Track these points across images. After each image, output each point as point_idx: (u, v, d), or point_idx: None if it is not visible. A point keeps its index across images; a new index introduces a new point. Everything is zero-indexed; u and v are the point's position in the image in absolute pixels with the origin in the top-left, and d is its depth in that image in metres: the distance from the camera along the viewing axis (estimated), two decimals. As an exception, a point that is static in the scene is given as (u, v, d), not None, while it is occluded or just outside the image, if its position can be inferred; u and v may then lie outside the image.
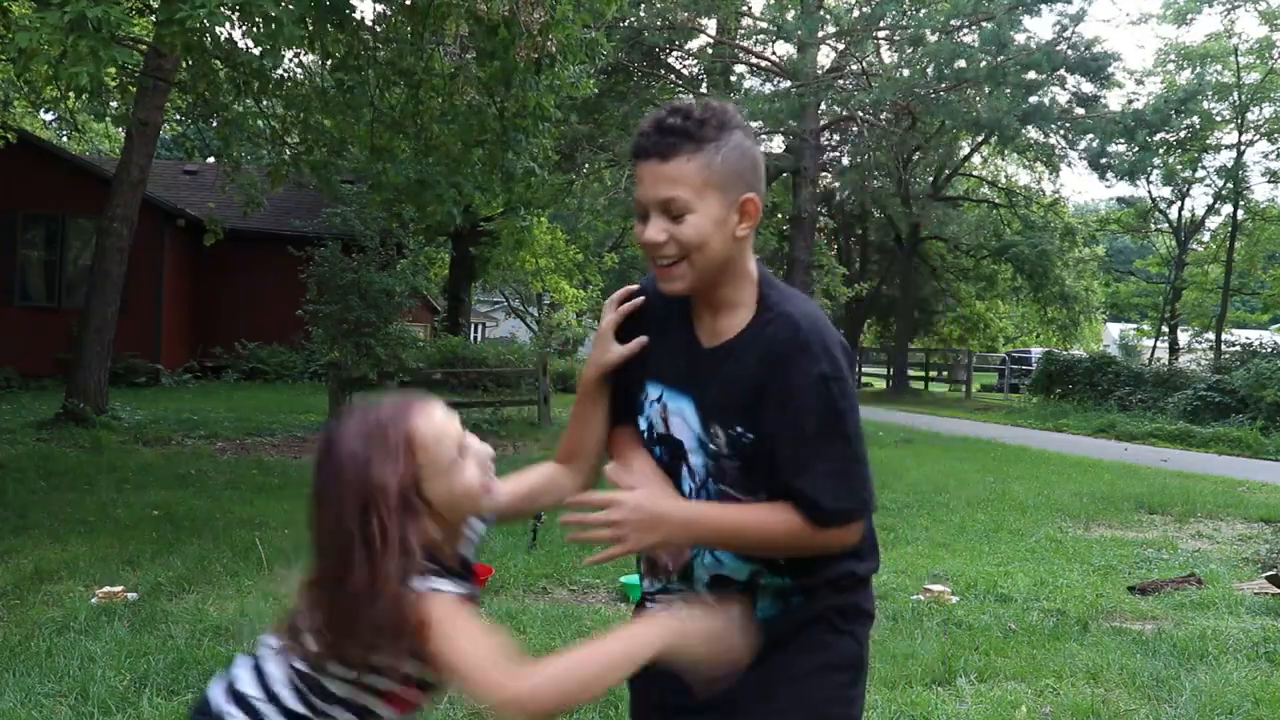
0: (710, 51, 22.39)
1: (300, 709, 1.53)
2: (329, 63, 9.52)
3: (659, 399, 1.75)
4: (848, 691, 1.74)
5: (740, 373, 1.65)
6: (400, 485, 1.46)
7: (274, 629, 1.60)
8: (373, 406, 1.54)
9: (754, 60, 22.48)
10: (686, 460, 1.72)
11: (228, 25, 7.03)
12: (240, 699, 1.55)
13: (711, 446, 1.68)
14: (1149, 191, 30.60)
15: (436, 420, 1.52)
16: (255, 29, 6.73)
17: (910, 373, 31.46)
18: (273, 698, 1.54)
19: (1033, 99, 19.65)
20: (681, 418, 1.71)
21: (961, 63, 18.73)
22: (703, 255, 1.63)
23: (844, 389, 1.61)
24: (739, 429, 1.65)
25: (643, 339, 1.76)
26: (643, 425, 1.78)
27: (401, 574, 1.43)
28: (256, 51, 8.28)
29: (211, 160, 21.62)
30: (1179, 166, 28.81)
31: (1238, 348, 24.61)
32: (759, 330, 1.65)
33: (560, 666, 1.43)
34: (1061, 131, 22.66)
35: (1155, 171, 27.72)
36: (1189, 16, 27.72)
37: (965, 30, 19.48)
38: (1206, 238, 32.06)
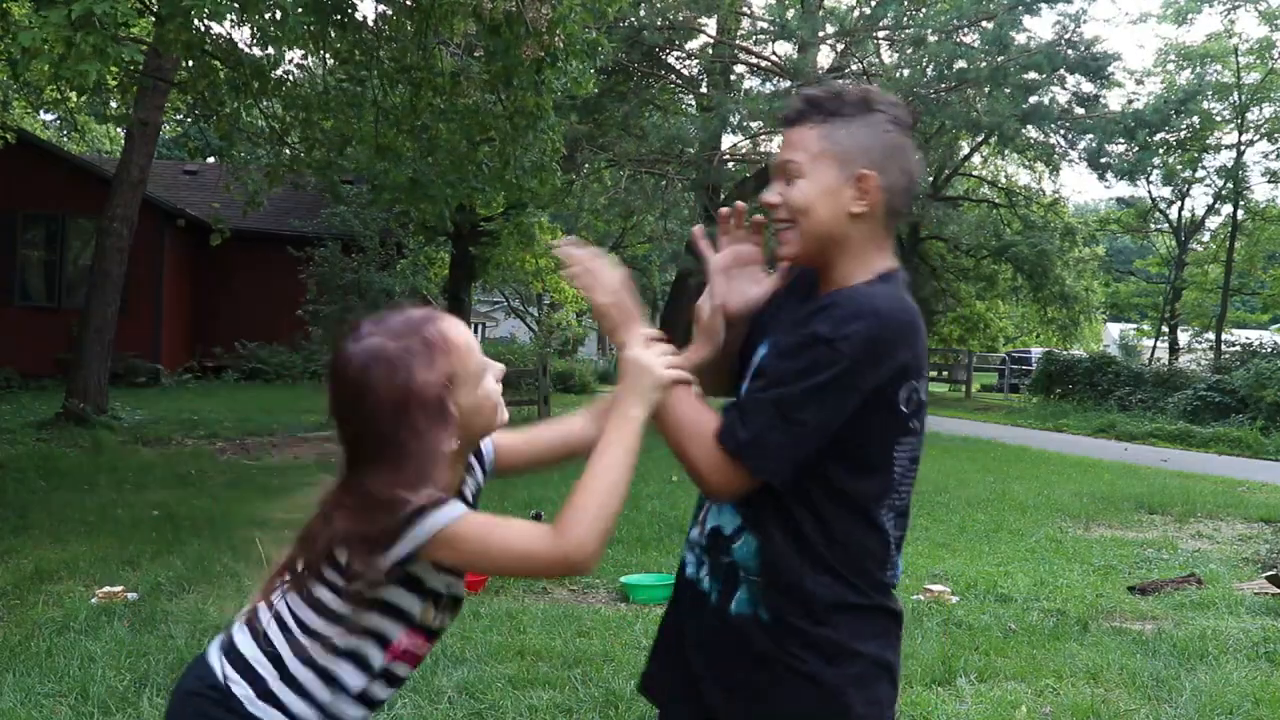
0: (710, 51, 22.38)
1: (299, 667, 1.52)
2: (332, 62, 9.53)
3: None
4: None
5: (798, 314, 1.64)
6: (438, 386, 1.46)
7: (264, 587, 1.58)
8: (397, 313, 1.53)
9: (754, 60, 22.46)
10: None
11: (229, 20, 7.02)
12: (239, 661, 1.54)
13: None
14: (1149, 191, 30.60)
15: (464, 328, 1.54)
16: (260, 21, 6.71)
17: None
18: (274, 658, 1.53)
19: (1033, 99, 19.62)
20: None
21: (962, 63, 18.70)
22: (809, 221, 1.63)
23: (829, 354, 1.51)
24: (765, 351, 1.67)
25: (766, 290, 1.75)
26: None
27: (431, 478, 1.43)
28: (257, 52, 8.29)
29: (212, 160, 21.62)
30: (1179, 166, 28.81)
31: (1238, 348, 24.62)
32: (831, 294, 1.63)
33: (582, 507, 1.45)
34: (1061, 131, 22.64)
35: (1155, 171, 27.70)
36: (1189, 16, 27.73)
37: (966, 31, 19.46)
38: (1206, 238, 32.06)
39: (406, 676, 1.63)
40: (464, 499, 1.62)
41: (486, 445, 1.72)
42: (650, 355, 1.55)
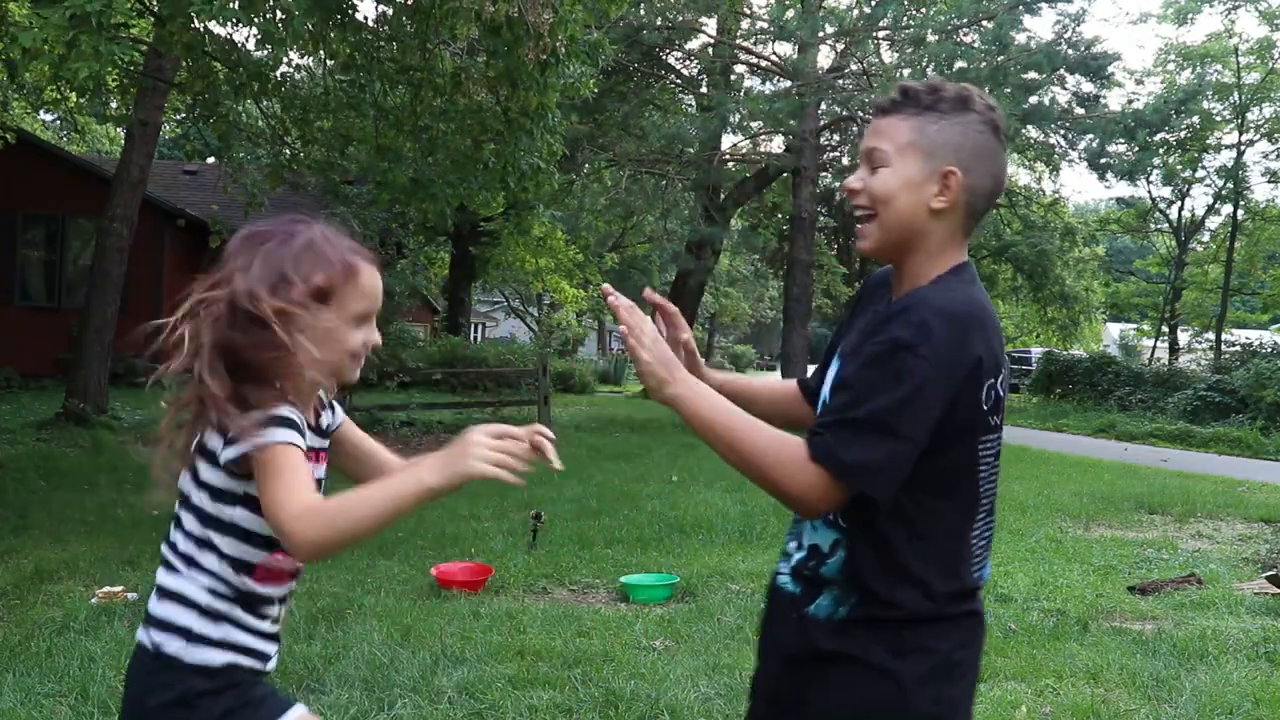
0: (710, 51, 22.37)
1: (200, 592, 1.65)
2: (333, 63, 9.52)
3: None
4: None
5: (873, 321, 1.63)
6: (315, 291, 1.62)
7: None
8: (343, 234, 1.72)
9: (754, 60, 22.46)
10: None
11: (232, 22, 7.01)
12: (156, 622, 1.67)
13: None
14: (1149, 191, 30.60)
15: (375, 279, 1.70)
16: (263, 22, 6.70)
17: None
18: (180, 599, 1.66)
19: (1033, 99, 19.63)
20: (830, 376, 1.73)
21: (962, 63, 18.71)
22: (889, 212, 1.62)
23: (911, 359, 1.50)
24: (841, 365, 1.67)
25: None
26: None
27: (281, 356, 1.58)
28: (258, 53, 8.29)
29: (211, 160, 21.61)
30: (1179, 166, 28.81)
31: (1238, 348, 24.64)
32: (904, 299, 1.61)
33: (339, 514, 1.53)
34: (1062, 131, 22.64)
35: (1155, 171, 27.71)
36: (1189, 16, 27.74)
37: (965, 30, 19.46)
38: (1206, 238, 32.06)
39: (282, 600, 1.74)
40: (319, 430, 1.75)
41: (340, 413, 1.85)
42: (484, 440, 1.56)
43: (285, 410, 1.58)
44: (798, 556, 1.70)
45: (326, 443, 1.78)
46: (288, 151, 10.48)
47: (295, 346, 1.59)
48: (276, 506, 1.54)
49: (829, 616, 1.63)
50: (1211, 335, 28.05)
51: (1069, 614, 5.18)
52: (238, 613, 1.66)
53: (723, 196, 23.44)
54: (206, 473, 1.65)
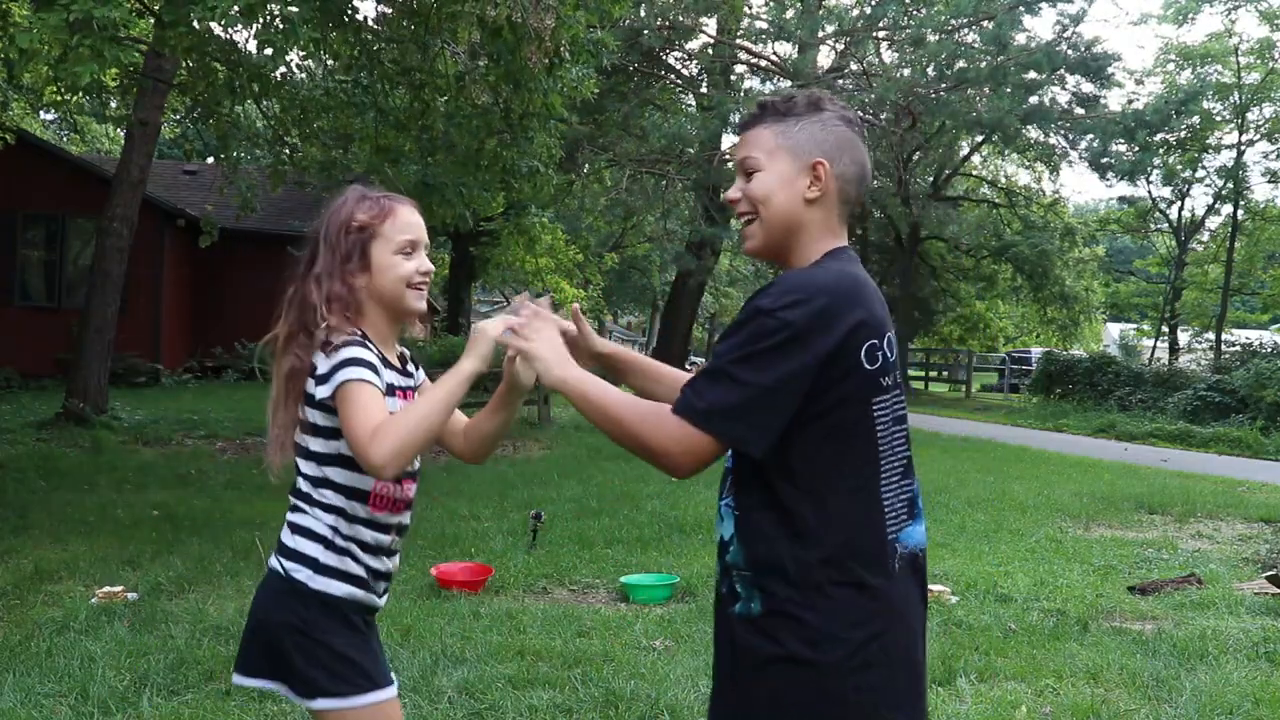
0: (710, 51, 22.38)
1: (319, 522, 1.93)
2: (333, 64, 9.51)
3: None
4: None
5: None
6: (360, 223, 1.96)
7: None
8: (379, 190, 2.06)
9: (754, 60, 22.46)
10: None
11: (236, 27, 7.01)
12: (287, 551, 1.95)
13: None
14: (1149, 191, 30.60)
15: (414, 216, 2.01)
16: (266, 28, 6.70)
17: (910, 372, 31.37)
18: (307, 532, 1.94)
19: (1033, 99, 19.64)
20: None
21: (962, 63, 18.72)
22: (769, 211, 1.74)
23: (770, 322, 1.58)
24: None
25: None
26: None
27: (338, 278, 1.94)
28: (257, 53, 8.28)
29: (211, 160, 21.61)
30: (1179, 166, 28.81)
31: (1238, 348, 24.62)
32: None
33: (400, 425, 1.79)
34: (1062, 131, 22.65)
35: (1155, 171, 27.71)
36: (1189, 16, 27.73)
37: (966, 30, 19.47)
38: (1206, 238, 32.06)
39: (399, 531, 2.02)
40: (405, 373, 2.03)
41: (421, 373, 2.12)
42: (490, 323, 1.86)
43: (356, 351, 1.86)
44: (720, 560, 1.74)
45: (412, 383, 2.05)
46: (287, 152, 10.46)
47: (354, 283, 1.93)
48: (351, 434, 1.80)
49: (746, 611, 1.65)
50: (1211, 335, 28.05)
51: (1069, 614, 5.18)
52: (355, 549, 1.93)
53: (723, 196, 23.44)
54: (312, 415, 1.92)
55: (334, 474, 1.92)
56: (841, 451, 1.64)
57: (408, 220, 1.99)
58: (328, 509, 1.92)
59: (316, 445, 1.93)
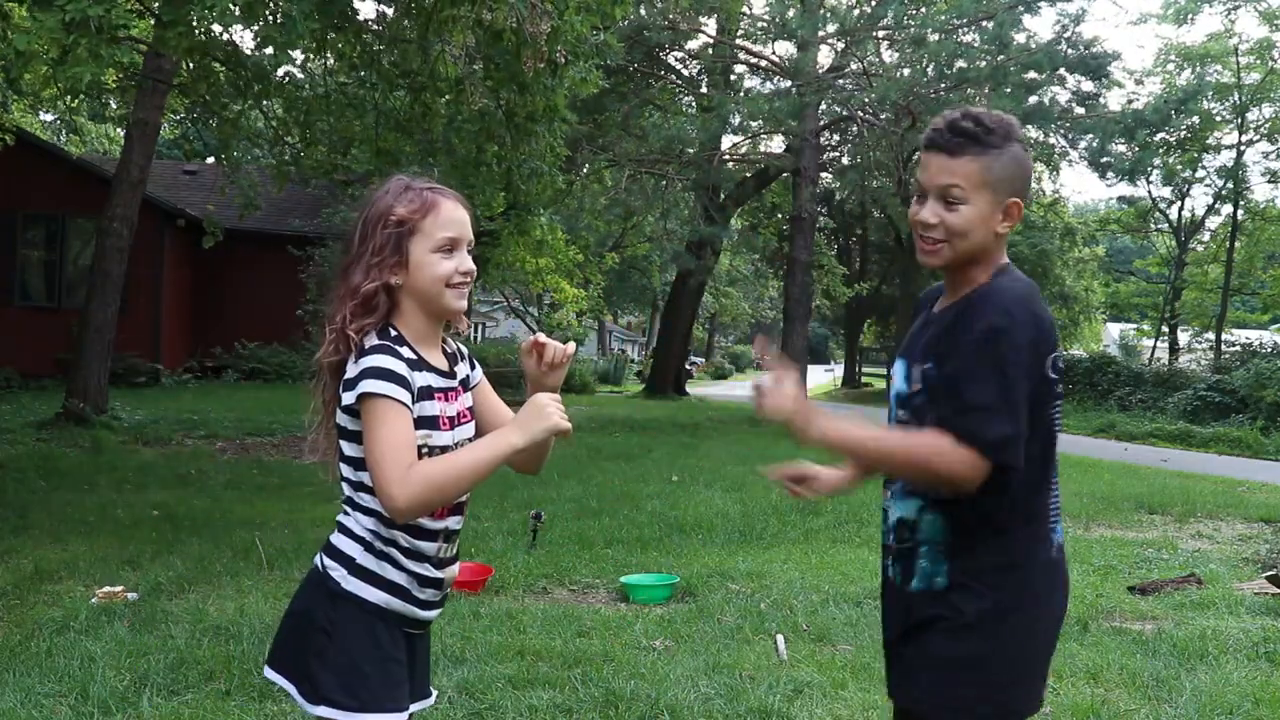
0: (710, 51, 22.37)
1: (363, 528, 1.88)
2: (334, 64, 9.50)
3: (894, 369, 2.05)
4: (969, 692, 1.86)
5: (942, 321, 1.91)
6: (398, 217, 1.86)
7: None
8: (428, 180, 1.98)
9: (754, 60, 22.45)
10: (890, 405, 2.03)
11: (235, 27, 7.01)
12: (330, 549, 1.91)
13: (910, 388, 1.93)
14: (1149, 191, 30.60)
15: (458, 212, 1.91)
16: (266, 25, 6.69)
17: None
18: (350, 533, 1.90)
19: (1033, 99, 19.61)
20: (898, 374, 2.00)
21: (962, 63, 18.70)
22: (964, 242, 1.88)
23: (1008, 341, 1.77)
24: (929, 365, 1.88)
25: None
26: None
27: (372, 273, 1.85)
28: (258, 53, 8.28)
29: (211, 160, 21.61)
30: (1179, 166, 28.81)
31: (1238, 348, 24.64)
32: (969, 296, 1.89)
33: (431, 477, 1.75)
34: (1062, 131, 22.63)
35: (1155, 171, 27.71)
36: (1189, 16, 27.73)
37: (966, 30, 19.44)
38: (1206, 238, 32.07)
39: (446, 537, 1.94)
40: (447, 373, 1.95)
41: (478, 371, 2.09)
42: (551, 402, 1.85)
43: (378, 360, 1.79)
44: (892, 539, 1.97)
45: (454, 384, 1.96)
46: (288, 153, 10.46)
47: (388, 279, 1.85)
48: (373, 462, 1.76)
49: (928, 585, 1.90)
50: (1211, 335, 28.05)
51: (1069, 614, 5.16)
52: (396, 553, 1.87)
53: (723, 196, 23.42)
54: (342, 419, 1.86)
55: (368, 478, 1.84)
56: (1044, 452, 1.88)
57: (450, 216, 1.89)
58: (366, 512, 1.87)
59: (350, 450, 1.87)
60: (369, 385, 1.77)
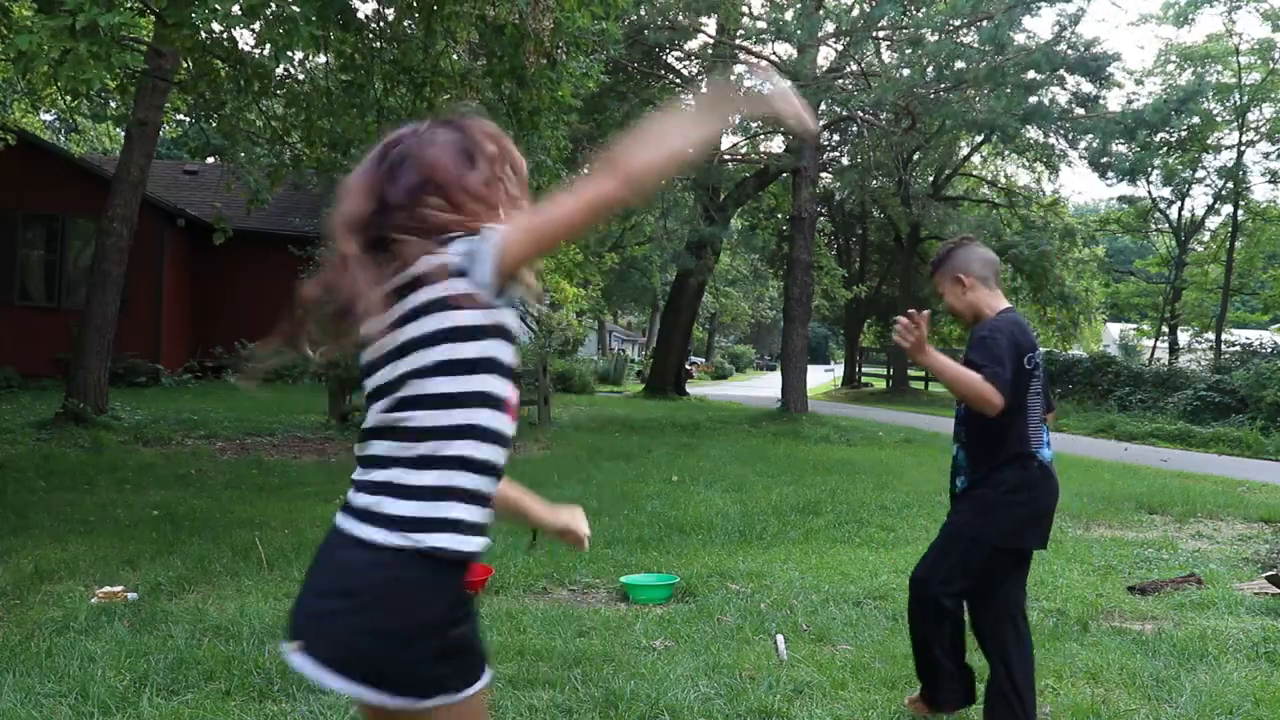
0: (710, 51, 22.38)
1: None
2: (334, 62, 9.50)
3: None
4: (967, 536, 3.48)
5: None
6: (506, 154, 1.77)
7: None
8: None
9: (754, 60, 22.46)
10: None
11: (239, 27, 7.00)
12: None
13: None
14: (1149, 191, 30.61)
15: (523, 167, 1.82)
16: (268, 27, 6.69)
17: (910, 373, 31.41)
18: (386, 486, 1.66)
19: (1032, 99, 19.61)
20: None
21: (961, 63, 18.70)
22: (957, 309, 3.65)
23: (992, 339, 3.30)
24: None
25: None
26: None
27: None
28: (259, 52, 8.28)
29: (211, 160, 21.59)
30: (1179, 166, 28.81)
31: (1238, 348, 24.64)
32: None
33: (648, 147, 1.69)
34: (1062, 131, 22.65)
35: (1155, 171, 27.71)
36: (1189, 16, 27.73)
37: (965, 30, 19.45)
38: (1206, 238, 32.07)
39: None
40: None
41: None
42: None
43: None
44: (952, 466, 3.61)
45: None
46: (289, 152, 10.46)
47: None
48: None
49: (961, 489, 3.55)
50: (1211, 335, 28.05)
51: (1069, 614, 5.18)
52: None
53: (723, 196, 23.44)
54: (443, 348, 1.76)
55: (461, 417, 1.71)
56: (1017, 404, 3.31)
57: (522, 169, 1.81)
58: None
59: (445, 384, 1.71)
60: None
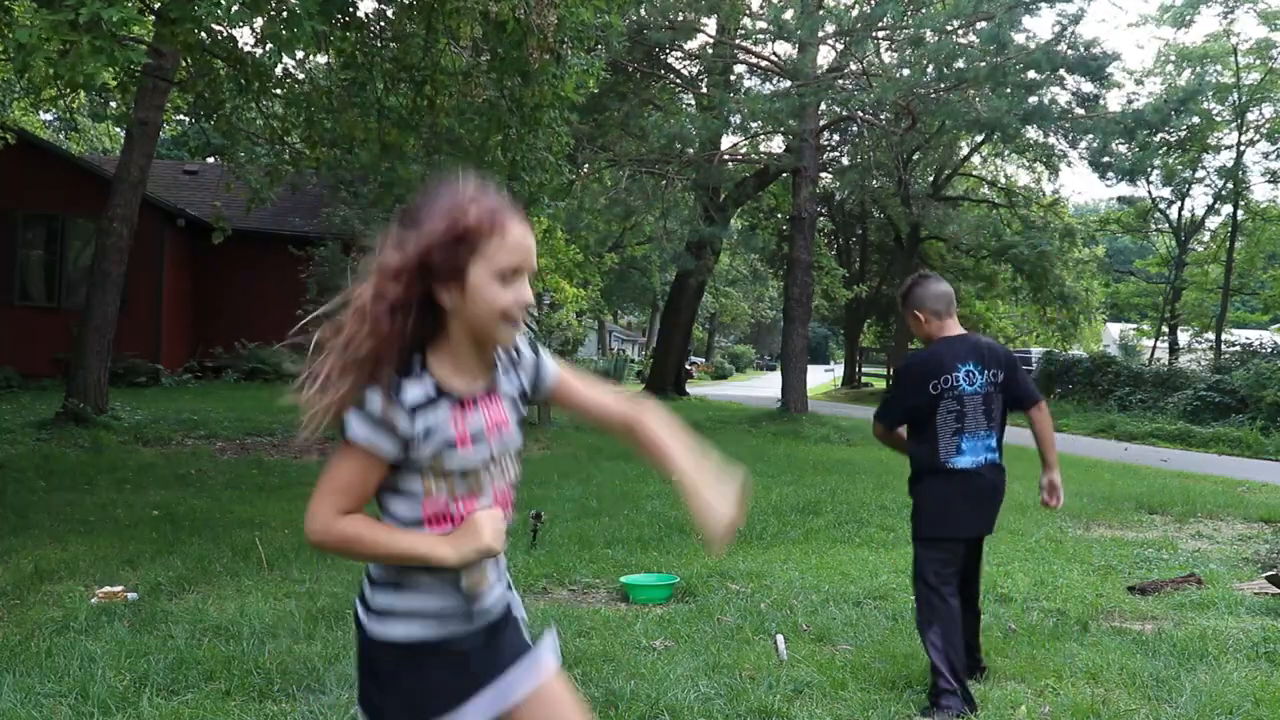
0: (710, 51, 22.36)
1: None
2: (335, 61, 9.50)
3: None
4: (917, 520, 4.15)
5: None
6: (467, 227, 1.62)
7: None
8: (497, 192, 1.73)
9: (754, 60, 22.45)
10: None
11: (241, 23, 6.99)
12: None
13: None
14: (1149, 191, 30.60)
15: (528, 238, 1.69)
16: (270, 21, 6.68)
17: (910, 373, 31.16)
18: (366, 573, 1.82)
19: (1033, 99, 19.60)
20: None
21: (961, 63, 18.68)
22: (919, 334, 4.26)
23: (896, 375, 4.26)
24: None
25: None
26: None
27: (417, 284, 1.64)
28: (259, 52, 8.28)
29: (211, 160, 21.60)
30: (1179, 166, 28.81)
31: (1238, 348, 24.64)
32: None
33: (354, 531, 1.68)
34: (1062, 131, 22.64)
35: (1155, 171, 27.71)
36: (1186, 18, 27.74)
37: (965, 30, 19.44)
38: (1206, 238, 32.07)
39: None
40: (499, 390, 1.78)
41: (551, 366, 1.87)
42: (491, 522, 1.74)
43: (364, 399, 1.67)
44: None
45: (477, 390, 1.74)
46: (288, 152, 10.45)
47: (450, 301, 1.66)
48: (313, 498, 1.73)
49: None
50: (1211, 335, 28.05)
51: (1069, 614, 5.18)
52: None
53: (723, 196, 23.42)
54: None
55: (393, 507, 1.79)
56: (928, 419, 3.98)
57: (519, 241, 1.66)
58: None
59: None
60: (345, 426, 1.76)
